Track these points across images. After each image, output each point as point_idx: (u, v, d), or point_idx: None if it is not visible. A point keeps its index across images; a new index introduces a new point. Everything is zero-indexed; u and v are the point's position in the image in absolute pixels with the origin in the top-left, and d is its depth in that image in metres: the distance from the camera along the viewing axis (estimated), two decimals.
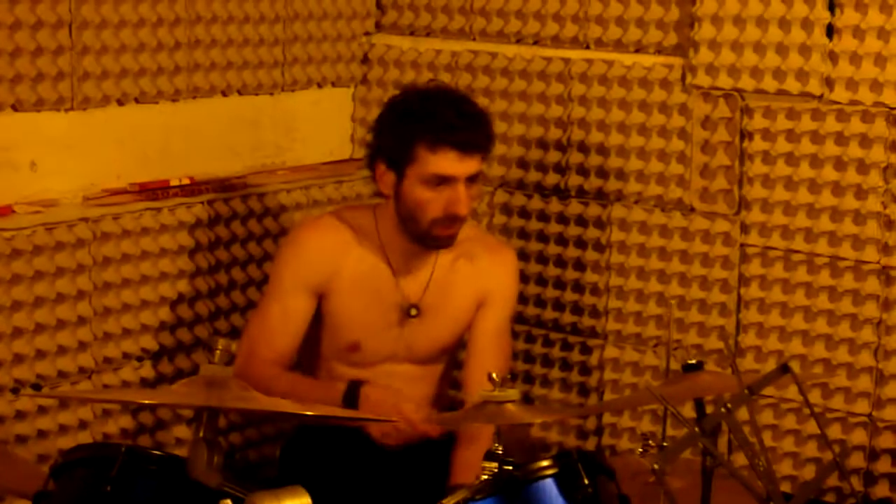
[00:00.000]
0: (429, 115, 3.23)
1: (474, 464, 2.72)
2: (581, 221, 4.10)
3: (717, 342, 3.91)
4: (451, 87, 3.48)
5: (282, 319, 3.35)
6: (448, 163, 3.22)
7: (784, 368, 2.15)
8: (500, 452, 2.63)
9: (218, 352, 2.52)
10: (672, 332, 3.93)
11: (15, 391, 3.49)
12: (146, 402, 2.59)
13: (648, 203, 3.99)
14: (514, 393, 2.64)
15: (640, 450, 3.03)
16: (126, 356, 3.71)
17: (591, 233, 4.09)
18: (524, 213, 4.19)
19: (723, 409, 2.06)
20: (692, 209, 3.92)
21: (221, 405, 2.38)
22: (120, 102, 3.73)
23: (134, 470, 2.63)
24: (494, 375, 2.66)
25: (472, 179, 3.27)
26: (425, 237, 3.30)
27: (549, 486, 2.68)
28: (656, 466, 1.93)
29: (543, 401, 4.19)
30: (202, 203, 3.87)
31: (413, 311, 3.39)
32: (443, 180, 3.23)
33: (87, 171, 3.70)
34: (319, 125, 4.27)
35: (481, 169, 3.30)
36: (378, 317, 3.38)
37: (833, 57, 3.66)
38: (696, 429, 1.99)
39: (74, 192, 3.67)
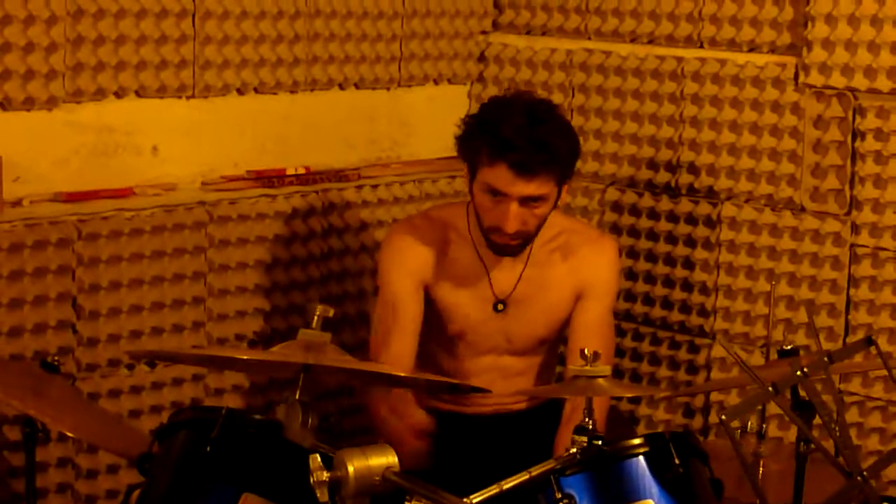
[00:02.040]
0: (494, 126, 3.23)
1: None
2: (691, 219, 4.11)
3: (825, 343, 3.88)
4: (539, 98, 3.38)
5: (394, 321, 3.40)
6: (502, 180, 3.22)
7: (868, 341, 2.15)
8: (591, 427, 2.66)
9: (316, 317, 2.60)
10: (780, 332, 3.92)
11: (130, 367, 3.61)
12: (246, 357, 2.68)
13: (759, 202, 3.98)
14: (605, 368, 2.67)
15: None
16: (238, 338, 3.82)
17: (701, 231, 4.09)
18: (634, 211, 4.21)
19: (798, 373, 2.07)
20: (803, 209, 3.91)
21: (318, 363, 2.45)
22: (240, 92, 3.85)
23: (233, 432, 2.71)
24: (586, 351, 2.69)
25: (533, 199, 3.25)
26: (486, 240, 3.35)
27: (640, 463, 2.71)
28: (723, 417, 1.94)
29: (650, 400, 4.20)
30: (316, 192, 3.97)
31: (500, 306, 3.43)
32: (498, 194, 3.26)
33: (206, 157, 3.82)
34: (434, 121, 4.34)
35: (547, 191, 3.24)
36: (475, 309, 3.43)
37: None
38: (770, 388, 2.00)
39: (193, 178, 3.79)
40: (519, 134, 3.21)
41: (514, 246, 3.32)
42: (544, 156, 3.21)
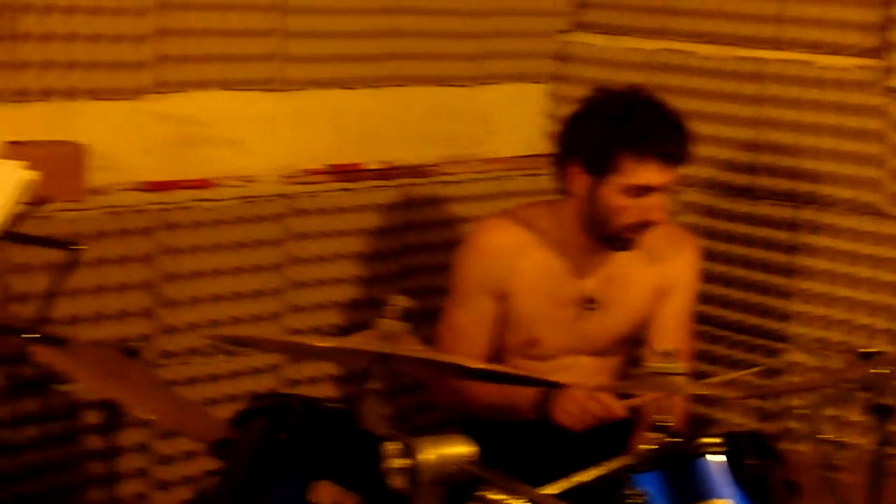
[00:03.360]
0: (636, 124, 3.20)
1: None
2: (770, 223, 4.08)
3: None
4: (649, 92, 3.37)
5: (471, 326, 3.40)
6: (653, 174, 3.21)
7: None
8: (667, 425, 2.65)
9: (394, 308, 2.61)
10: (860, 337, 3.89)
11: (209, 356, 3.65)
12: (324, 345, 2.70)
13: (840, 206, 3.95)
14: (681, 365, 2.66)
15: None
16: (315, 330, 3.85)
17: (780, 235, 4.06)
18: (712, 213, 4.19)
19: (876, 373, 2.05)
20: (885, 213, 3.87)
21: (393, 353, 2.46)
22: (322, 86, 3.88)
23: (308, 419, 2.74)
24: (663, 348, 2.68)
25: (668, 187, 3.30)
26: (613, 240, 3.32)
27: (716, 462, 2.69)
28: (800, 413, 1.93)
29: (724, 403, 4.18)
30: (395, 187, 3.99)
31: (590, 306, 3.41)
32: (644, 190, 3.25)
33: (287, 150, 3.86)
34: (513, 119, 4.35)
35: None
36: (556, 313, 3.41)
37: None
38: (847, 386, 1.99)
39: (274, 170, 3.83)
40: (665, 126, 3.22)
41: (642, 238, 3.32)
42: (685, 142, 3.24)
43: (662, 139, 3.20)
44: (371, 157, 4.01)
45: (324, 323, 3.87)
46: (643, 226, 3.26)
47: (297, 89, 3.83)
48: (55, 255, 3.14)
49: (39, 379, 3.37)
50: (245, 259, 3.69)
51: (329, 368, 3.87)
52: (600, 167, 3.24)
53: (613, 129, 3.22)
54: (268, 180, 3.80)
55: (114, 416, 3.13)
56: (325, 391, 3.87)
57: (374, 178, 3.98)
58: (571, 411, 3.14)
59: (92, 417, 3.43)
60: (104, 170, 3.50)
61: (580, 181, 3.28)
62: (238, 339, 3.50)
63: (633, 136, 3.19)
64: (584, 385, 3.20)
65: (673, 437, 2.64)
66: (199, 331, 3.62)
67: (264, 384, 3.76)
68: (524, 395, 3.27)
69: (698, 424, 4.10)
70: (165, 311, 3.56)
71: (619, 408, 3.12)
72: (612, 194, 3.24)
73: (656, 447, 2.64)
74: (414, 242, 4.05)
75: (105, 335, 3.46)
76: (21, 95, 3.35)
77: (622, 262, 3.42)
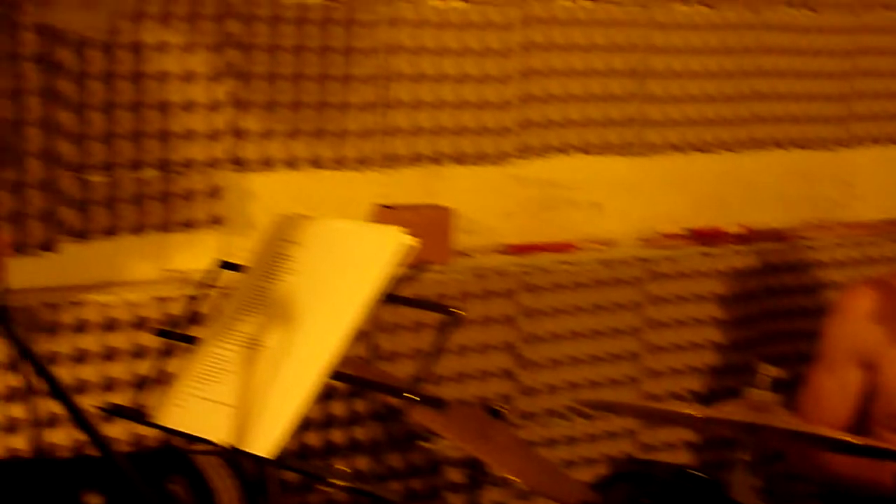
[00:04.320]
0: None
1: None
2: None
3: None
4: None
5: (836, 394, 3.32)
6: None
7: None
8: None
9: (762, 377, 2.58)
10: None
11: (566, 418, 3.68)
12: (695, 414, 2.68)
13: None
14: None
15: None
16: (671, 395, 3.83)
17: None
18: None
19: None
20: None
21: (767, 425, 2.43)
22: (681, 150, 3.88)
23: (674, 487, 2.72)
24: None
25: None
26: None
27: None
28: None
29: None
30: (755, 252, 3.94)
31: None
32: None
33: (645, 214, 3.86)
34: (879, 182, 4.23)
35: None
36: None
37: None
38: None
39: (632, 234, 3.84)
40: None
41: None
42: None
43: None
44: (730, 221, 3.97)
45: (680, 388, 3.84)
46: None
47: (655, 153, 3.83)
48: (422, 316, 3.26)
49: (404, 435, 3.47)
50: (603, 322, 3.71)
51: (685, 434, 3.83)
52: None
53: None
54: (626, 244, 3.81)
55: (476, 474, 3.18)
56: (681, 457, 3.84)
57: (733, 242, 3.94)
58: None
59: (454, 475, 3.50)
60: (468, 233, 3.59)
61: None
62: (605, 404, 3.51)
63: None
64: None
65: None
66: (558, 393, 3.65)
67: (620, 448, 3.75)
68: (889, 468, 3.15)
69: None
70: (525, 372, 3.61)
71: None
72: None
73: None
74: (773, 308, 3.98)
75: (467, 394, 3.53)
76: (391, 160, 3.48)
77: None
